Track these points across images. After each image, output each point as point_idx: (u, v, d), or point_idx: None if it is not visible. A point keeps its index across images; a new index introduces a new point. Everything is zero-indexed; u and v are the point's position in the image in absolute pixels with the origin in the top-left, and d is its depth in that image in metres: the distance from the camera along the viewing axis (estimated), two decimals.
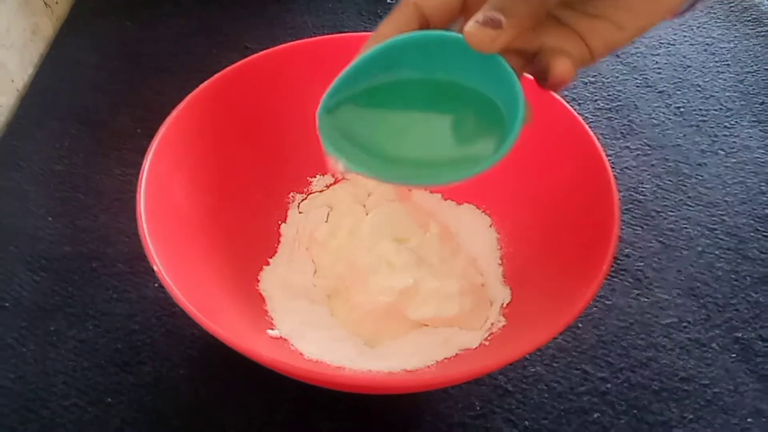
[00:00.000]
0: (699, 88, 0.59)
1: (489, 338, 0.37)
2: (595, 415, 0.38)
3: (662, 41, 0.63)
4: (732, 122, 0.56)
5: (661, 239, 0.47)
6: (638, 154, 0.53)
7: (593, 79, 0.59)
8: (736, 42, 0.64)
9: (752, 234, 0.48)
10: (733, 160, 0.53)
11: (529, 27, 0.25)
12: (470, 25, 0.25)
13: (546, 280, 0.38)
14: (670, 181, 0.51)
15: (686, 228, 0.48)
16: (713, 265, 0.46)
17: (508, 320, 0.38)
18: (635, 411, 0.38)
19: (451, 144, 0.29)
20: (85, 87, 0.55)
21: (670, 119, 0.56)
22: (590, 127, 0.38)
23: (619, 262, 0.45)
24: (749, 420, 0.38)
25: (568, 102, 0.40)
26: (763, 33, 0.65)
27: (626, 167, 0.52)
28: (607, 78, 0.59)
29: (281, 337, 0.37)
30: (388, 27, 0.27)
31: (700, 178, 0.51)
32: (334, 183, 0.47)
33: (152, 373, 0.38)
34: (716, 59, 0.62)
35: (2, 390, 0.37)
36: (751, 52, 0.63)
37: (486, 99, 0.28)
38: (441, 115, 0.29)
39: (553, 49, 0.27)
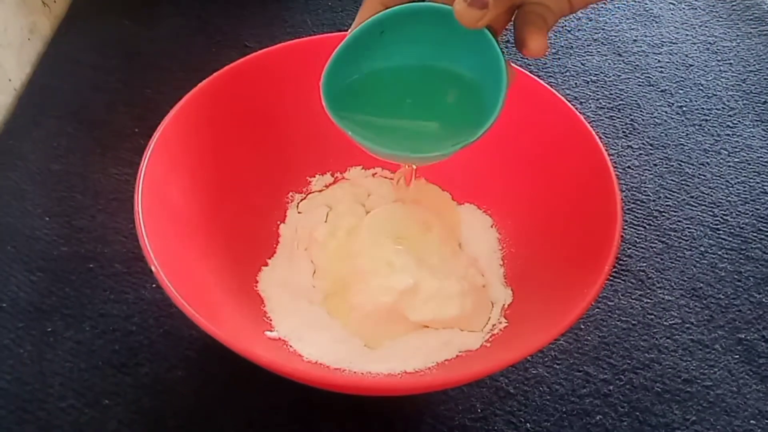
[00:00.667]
0: (701, 88, 0.58)
1: (490, 340, 0.37)
2: (597, 418, 0.37)
3: (664, 40, 0.63)
4: (734, 122, 0.55)
5: (663, 239, 0.46)
6: (640, 154, 0.52)
7: (595, 78, 0.59)
8: (739, 41, 0.63)
9: (755, 234, 0.47)
10: (736, 160, 0.52)
11: (511, 6, 0.28)
12: (459, 4, 0.27)
13: (548, 281, 0.37)
14: (672, 180, 0.50)
15: (689, 228, 0.47)
16: (716, 265, 0.45)
17: (510, 321, 0.38)
18: (637, 413, 0.38)
19: (444, 118, 0.32)
20: (83, 86, 0.55)
21: (672, 118, 0.56)
22: (592, 126, 0.38)
23: (621, 262, 0.45)
24: (752, 422, 0.38)
25: (569, 101, 0.39)
26: (765, 32, 0.64)
27: (628, 167, 0.51)
28: (609, 77, 0.59)
29: (280, 339, 0.37)
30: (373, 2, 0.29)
31: (703, 177, 0.51)
32: (334, 183, 0.46)
33: (150, 374, 0.38)
34: (718, 58, 0.61)
35: None
36: (753, 51, 0.62)
37: (474, 80, 0.31)
38: (434, 96, 0.32)
39: (530, 16, 0.28)
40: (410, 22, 0.30)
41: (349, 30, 0.30)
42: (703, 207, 0.49)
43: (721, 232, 0.47)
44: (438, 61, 0.32)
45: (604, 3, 0.67)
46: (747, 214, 0.49)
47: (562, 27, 0.64)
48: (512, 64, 0.30)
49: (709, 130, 0.55)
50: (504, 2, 0.27)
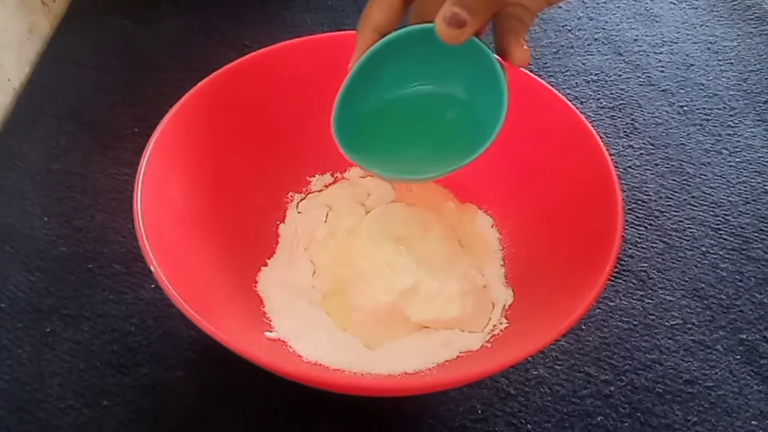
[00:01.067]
0: (702, 87, 0.58)
1: (491, 340, 0.37)
2: (599, 419, 0.37)
3: (665, 40, 0.63)
4: (736, 121, 0.55)
5: (664, 239, 0.46)
6: (641, 154, 0.52)
7: (596, 78, 0.58)
8: (740, 40, 0.63)
9: (756, 234, 0.47)
10: (737, 160, 0.52)
11: (492, 15, 0.28)
12: (438, 23, 0.27)
13: (548, 282, 0.37)
14: (673, 180, 0.50)
15: (690, 228, 0.47)
16: (717, 265, 0.45)
17: (510, 322, 0.37)
18: (639, 414, 0.38)
19: (450, 135, 0.33)
20: (83, 86, 0.55)
21: (673, 118, 0.55)
22: (593, 126, 0.38)
23: (622, 262, 0.45)
24: (753, 423, 0.38)
25: (570, 101, 0.39)
26: (766, 31, 0.64)
27: (629, 166, 0.51)
28: (610, 77, 0.59)
29: (280, 339, 0.37)
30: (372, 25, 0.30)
31: (704, 177, 0.51)
32: (333, 183, 0.46)
33: (149, 375, 0.38)
34: (719, 58, 0.61)
35: None
36: (754, 51, 0.62)
37: (474, 93, 0.32)
38: (436, 115, 0.33)
39: (509, 22, 0.29)
40: (403, 47, 0.30)
41: (350, 64, 0.31)
42: (705, 207, 0.49)
43: (722, 232, 0.47)
44: (438, 77, 0.33)
45: (604, 3, 0.67)
46: (748, 214, 0.48)
47: (563, 27, 0.64)
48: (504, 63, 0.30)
49: (710, 129, 0.55)
50: (482, 17, 0.28)
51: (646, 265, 0.45)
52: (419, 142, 0.34)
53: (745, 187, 0.50)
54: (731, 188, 0.50)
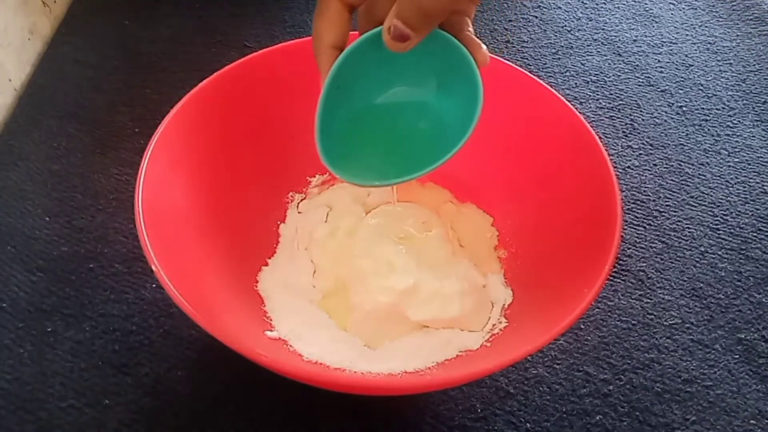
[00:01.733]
0: (701, 88, 0.58)
1: (490, 339, 0.37)
2: (597, 418, 0.37)
3: (664, 40, 0.63)
4: (734, 122, 0.55)
5: (663, 240, 0.47)
6: (640, 154, 0.52)
7: (595, 78, 0.59)
8: (738, 41, 0.63)
9: (755, 234, 0.47)
10: (736, 160, 0.52)
11: (434, 27, 0.28)
12: (384, 34, 0.28)
13: (548, 281, 0.37)
14: (672, 180, 0.51)
15: (689, 228, 0.47)
16: (716, 265, 0.45)
17: (510, 321, 0.38)
18: (638, 413, 0.38)
19: (427, 132, 0.33)
20: (83, 86, 0.55)
21: (672, 118, 0.56)
22: (592, 126, 0.38)
23: (621, 262, 0.45)
24: (752, 422, 0.38)
25: (569, 101, 0.39)
26: (765, 32, 0.64)
27: (628, 167, 0.51)
28: (609, 77, 0.59)
29: (280, 338, 0.37)
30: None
31: (703, 177, 0.51)
32: (333, 183, 0.46)
33: (150, 374, 0.38)
34: (718, 58, 0.61)
35: None
36: (753, 51, 0.62)
37: (449, 86, 0.32)
38: (412, 115, 0.34)
39: (456, 20, 0.29)
40: (365, 54, 0.30)
41: (321, 82, 0.31)
42: (703, 207, 0.49)
43: (721, 232, 0.47)
44: (409, 75, 0.33)
45: (604, 3, 0.67)
46: (747, 214, 0.49)
47: (562, 27, 0.64)
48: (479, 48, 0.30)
49: (709, 130, 0.55)
50: (424, 30, 0.28)
51: (644, 264, 0.45)
52: (401, 144, 0.34)
53: (744, 187, 0.50)
54: (730, 188, 0.50)
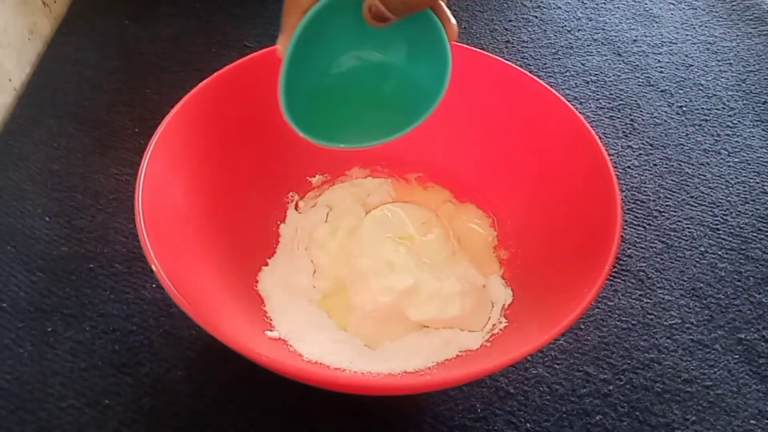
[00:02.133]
0: (701, 88, 0.58)
1: (490, 339, 0.37)
2: (597, 417, 0.37)
3: (664, 40, 0.63)
4: (734, 122, 0.56)
5: (663, 240, 0.46)
6: (640, 154, 0.52)
7: (595, 78, 0.59)
8: (738, 41, 0.63)
9: (755, 234, 0.47)
10: (736, 160, 0.52)
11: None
12: (365, 10, 0.29)
13: (548, 281, 0.37)
14: (672, 180, 0.51)
15: (689, 228, 0.47)
16: (716, 265, 0.45)
17: (510, 321, 0.38)
18: (638, 413, 0.38)
19: (396, 95, 0.34)
20: (83, 86, 0.55)
21: (672, 118, 0.56)
22: (592, 126, 0.38)
23: (621, 262, 0.45)
24: (752, 422, 0.38)
25: (569, 101, 0.39)
26: (765, 32, 0.64)
27: (628, 167, 0.51)
28: (609, 77, 0.59)
29: (280, 338, 0.37)
30: None
31: (703, 177, 0.51)
32: (333, 183, 0.46)
33: (150, 374, 0.38)
34: (718, 58, 0.61)
35: None
36: (753, 51, 0.62)
37: (417, 49, 0.32)
38: (381, 78, 0.34)
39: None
40: (335, 15, 0.30)
41: (279, 47, 0.31)
42: (703, 207, 0.49)
43: (721, 232, 0.47)
44: (378, 41, 0.33)
45: (604, 3, 0.67)
46: (747, 214, 0.49)
47: (562, 27, 0.64)
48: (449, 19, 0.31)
49: (709, 130, 0.55)
50: (406, 14, 0.29)
51: (644, 264, 0.45)
52: (369, 108, 0.34)
53: (744, 187, 0.50)
54: (730, 188, 0.50)
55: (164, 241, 0.33)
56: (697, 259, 0.45)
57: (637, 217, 0.48)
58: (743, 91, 0.58)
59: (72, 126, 0.51)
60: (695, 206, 0.49)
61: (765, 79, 0.59)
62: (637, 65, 0.60)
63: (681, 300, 0.43)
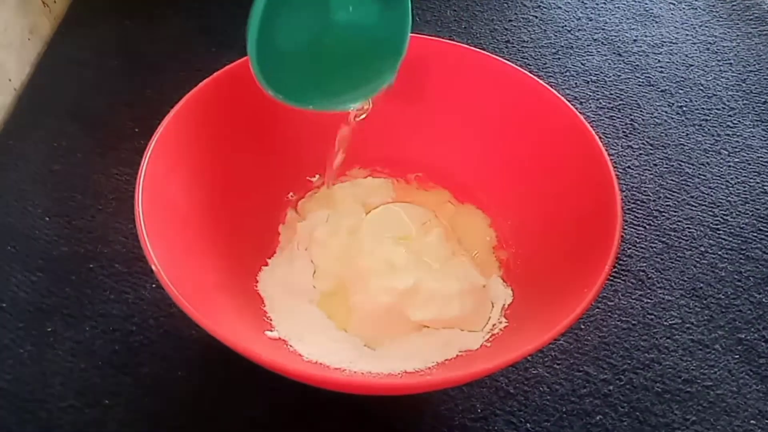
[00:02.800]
0: (701, 87, 0.58)
1: (490, 339, 0.37)
2: (597, 418, 0.37)
3: (664, 40, 0.63)
4: (735, 122, 0.55)
5: (663, 240, 0.46)
6: (640, 154, 0.52)
7: (595, 78, 0.59)
8: (739, 41, 0.63)
9: (755, 234, 0.47)
10: (736, 160, 0.52)
11: None
12: None
13: (548, 281, 0.37)
14: (672, 180, 0.51)
15: (689, 228, 0.47)
16: (716, 265, 0.45)
17: (510, 321, 0.38)
18: (638, 413, 0.38)
19: (365, 56, 0.35)
20: (83, 86, 0.55)
21: (672, 118, 0.56)
22: (592, 126, 0.38)
23: (621, 262, 0.45)
24: (752, 422, 0.38)
25: (569, 101, 0.39)
26: (765, 32, 0.64)
27: (628, 167, 0.51)
28: (609, 77, 0.59)
29: (280, 338, 0.37)
30: None
31: (703, 177, 0.51)
32: (334, 183, 0.46)
33: (150, 374, 0.38)
34: (719, 58, 0.61)
35: None
36: (753, 51, 0.62)
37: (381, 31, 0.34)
38: (353, 42, 0.34)
39: None
40: None
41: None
42: (703, 207, 0.49)
43: (721, 232, 0.47)
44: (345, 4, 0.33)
45: (604, 3, 0.67)
46: (747, 214, 0.49)
47: (562, 27, 0.64)
48: None
49: (709, 130, 0.55)
50: None
51: (645, 264, 0.45)
52: (340, 70, 0.35)
53: (744, 187, 0.50)
54: (730, 188, 0.50)
55: (164, 242, 0.33)
56: (697, 259, 0.45)
57: (637, 217, 0.48)
58: (743, 91, 0.58)
59: (72, 126, 0.51)
60: (695, 206, 0.49)
61: (765, 79, 0.59)
62: (637, 65, 0.60)
63: (681, 300, 0.43)
